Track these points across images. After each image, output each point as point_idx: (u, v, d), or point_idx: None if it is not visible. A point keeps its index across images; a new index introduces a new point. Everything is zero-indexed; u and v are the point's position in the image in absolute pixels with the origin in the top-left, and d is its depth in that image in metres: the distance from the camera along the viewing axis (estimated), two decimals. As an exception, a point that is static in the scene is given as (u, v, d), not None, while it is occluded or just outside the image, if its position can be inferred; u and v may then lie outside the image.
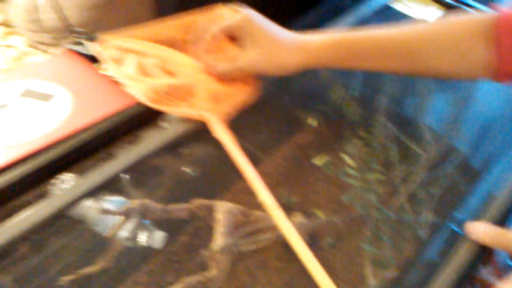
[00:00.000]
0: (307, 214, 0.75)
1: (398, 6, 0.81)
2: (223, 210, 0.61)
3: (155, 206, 0.59)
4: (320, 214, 0.73)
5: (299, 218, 0.74)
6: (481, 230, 0.53)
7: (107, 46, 0.73)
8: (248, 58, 0.68)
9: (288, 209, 0.77)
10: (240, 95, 0.72)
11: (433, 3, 0.80)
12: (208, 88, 0.69)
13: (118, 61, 0.72)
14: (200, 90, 0.69)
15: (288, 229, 0.51)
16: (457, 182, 0.74)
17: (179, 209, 0.61)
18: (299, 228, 0.71)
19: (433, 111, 0.81)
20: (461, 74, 0.65)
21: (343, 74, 0.80)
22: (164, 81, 0.70)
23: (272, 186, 0.78)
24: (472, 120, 0.84)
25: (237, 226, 0.62)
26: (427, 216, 0.67)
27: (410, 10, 0.79)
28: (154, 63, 0.71)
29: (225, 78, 0.71)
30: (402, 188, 0.70)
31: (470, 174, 0.78)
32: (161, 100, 0.66)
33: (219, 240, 0.58)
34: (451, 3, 0.80)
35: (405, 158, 0.74)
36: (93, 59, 1.12)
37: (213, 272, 0.58)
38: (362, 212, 0.67)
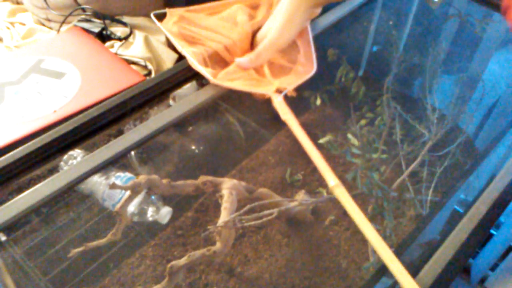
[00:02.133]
0: (311, 192, 0.77)
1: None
2: (228, 187, 0.63)
3: (162, 182, 0.61)
4: (324, 193, 0.74)
5: (301, 195, 0.75)
6: None
7: (174, 23, 0.72)
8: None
9: (292, 187, 0.78)
10: (300, 70, 0.70)
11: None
12: (271, 64, 0.68)
13: (186, 38, 0.71)
14: (265, 67, 0.67)
15: (356, 213, 0.51)
16: (461, 162, 0.75)
17: (186, 185, 0.63)
18: (302, 205, 0.73)
19: (439, 91, 0.81)
20: None
21: (350, 54, 0.80)
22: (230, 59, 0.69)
23: (277, 165, 0.80)
24: (477, 101, 0.84)
25: (241, 202, 0.63)
26: (429, 195, 0.68)
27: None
28: (220, 41, 0.70)
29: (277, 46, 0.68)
30: (405, 167, 0.71)
31: (474, 154, 0.78)
32: (226, 76, 0.65)
33: (223, 215, 0.60)
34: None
35: (409, 137, 0.75)
36: (101, 37, 1.13)
37: (217, 246, 0.59)
38: (364, 190, 0.68)
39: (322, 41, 0.83)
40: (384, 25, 0.88)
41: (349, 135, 0.76)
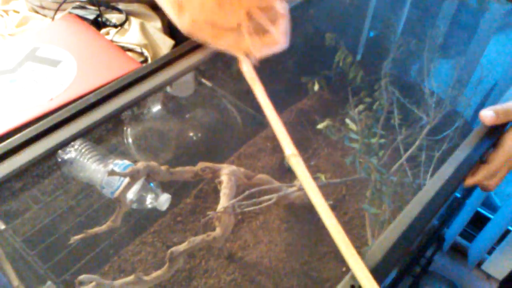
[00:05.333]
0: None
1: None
2: (227, 173, 0.63)
3: (161, 168, 0.61)
4: (322, 178, 0.75)
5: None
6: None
7: None
8: None
9: (290, 172, 0.78)
10: (275, 38, 0.67)
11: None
12: (251, 18, 0.64)
13: None
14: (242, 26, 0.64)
15: (309, 183, 0.51)
16: (459, 145, 0.75)
17: (184, 171, 0.63)
18: (301, 190, 0.73)
19: (437, 75, 0.81)
20: None
21: (347, 39, 0.80)
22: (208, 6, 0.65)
23: (275, 151, 0.80)
24: (475, 85, 0.84)
25: (240, 188, 0.63)
26: (427, 179, 0.69)
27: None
28: None
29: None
30: (403, 151, 0.71)
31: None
32: (200, 30, 0.63)
33: (223, 201, 0.60)
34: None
35: (407, 122, 0.75)
36: (96, 24, 1.11)
37: (217, 231, 0.59)
38: (363, 175, 0.68)
39: (319, 25, 0.82)
40: (381, 8, 0.88)
41: (347, 120, 0.76)
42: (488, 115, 0.59)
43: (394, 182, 0.68)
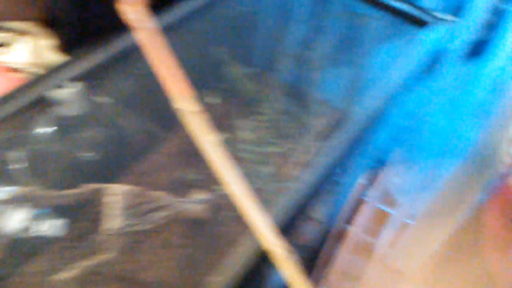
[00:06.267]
0: (207, 190, 0.77)
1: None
2: (115, 193, 0.61)
3: (46, 193, 0.58)
4: (219, 189, 0.75)
5: (196, 194, 0.75)
6: None
7: None
8: None
9: (190, 186, 0.78)
10: None
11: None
12: None
13: None
14: None
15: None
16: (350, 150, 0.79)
17: (72, 194, 0.60)
18: (197, 204, 0.73)
19: (327, 83, 0.85)
20: None
21: (240, 51, 0.82)
22: None
23: (174, 166, 0.79)
24: (362, 91, 0.89)
25: (131, 207, 0.62)
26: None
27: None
28: None
29: None
30: (295, 158, 0.73)
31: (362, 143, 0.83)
32: None
33: (112, 222, 0.58)
34: None
35: (299, 130, 0.77)
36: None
37: (109, 254, 0.58)
38: (258, 185, 0.70)
39: (210, 37, 0.83)
40: (272, 21, 0.90)
41: (240, 131, 0.77)
42: None
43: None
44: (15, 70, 0.91)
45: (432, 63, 1.00)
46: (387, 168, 1.17)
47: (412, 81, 0.75)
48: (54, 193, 0.59)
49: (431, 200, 1.07)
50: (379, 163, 1.04)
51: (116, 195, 0.61)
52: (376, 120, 0.72)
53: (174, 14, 0.73)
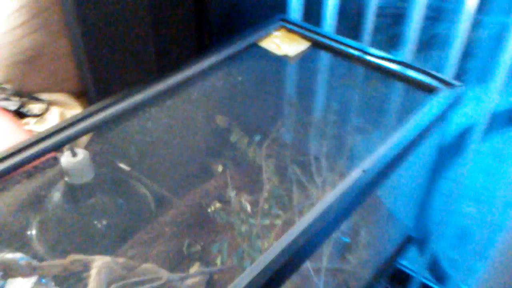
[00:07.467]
0: (208, 263, 0.73)
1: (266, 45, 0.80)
2: (98, 265, 0.59)
3: (22, 263, 0.57)
4: (219, 262, 0.71)
5: (196, 268, 0.72)
6: None
7: None
8: None
9: (189, 259, 0.75)
10: None
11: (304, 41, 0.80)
12: None
13: None
14: None
15: None
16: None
17: (52, 265, 0.59)
18: (194, 278, 0.69)
19: (335, 152, 0.81)
20: None
21: (240, 119, 0.80)
22: None
23: (174, 236, 0.77)
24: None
25: (114, 281, 0.59)
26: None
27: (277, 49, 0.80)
28: None
29: None
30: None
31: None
32: None
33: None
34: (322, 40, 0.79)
35: (304, 200, 0.73)
36: (19, 114, 1.13)
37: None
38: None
39: (211, 106, 0.83)
40: (275, 86, 0.89)
41: (243, 201, 0.74)
42: None
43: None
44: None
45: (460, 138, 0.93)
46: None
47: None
48: (33, 263, 0.57)
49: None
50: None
51: (96, 267, 0.59)
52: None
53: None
